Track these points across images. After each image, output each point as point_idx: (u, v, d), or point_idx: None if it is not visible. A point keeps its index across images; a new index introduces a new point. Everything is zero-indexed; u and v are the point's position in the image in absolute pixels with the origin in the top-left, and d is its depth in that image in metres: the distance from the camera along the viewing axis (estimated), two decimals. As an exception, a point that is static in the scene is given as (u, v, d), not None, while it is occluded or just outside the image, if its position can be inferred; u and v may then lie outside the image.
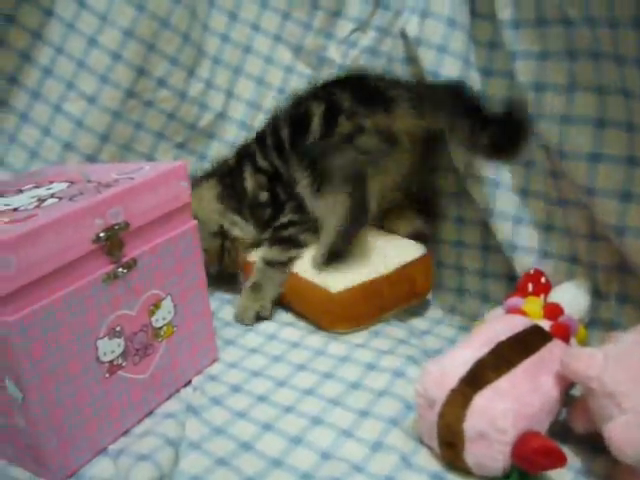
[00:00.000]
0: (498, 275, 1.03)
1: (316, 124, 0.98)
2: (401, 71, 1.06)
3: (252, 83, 1.22)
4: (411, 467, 0.73)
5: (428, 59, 0.98)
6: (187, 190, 0.84)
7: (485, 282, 1.05)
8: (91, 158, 1.09)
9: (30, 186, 0.83)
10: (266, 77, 1.22)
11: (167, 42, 1.12)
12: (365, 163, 0.92)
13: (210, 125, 1.21)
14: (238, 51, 1.20)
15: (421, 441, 0.76)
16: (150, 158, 1.15)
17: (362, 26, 1.15)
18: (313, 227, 1.00)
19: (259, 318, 1.02)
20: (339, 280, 0.96)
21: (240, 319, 1.02)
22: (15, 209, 0.73)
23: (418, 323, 1.03)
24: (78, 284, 0.71)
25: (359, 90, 1.00)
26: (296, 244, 1.02)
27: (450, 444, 0.71)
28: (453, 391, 0.70)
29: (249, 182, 1.08)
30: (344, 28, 1.17)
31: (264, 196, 1.07)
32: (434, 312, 1.06)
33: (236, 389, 0.87)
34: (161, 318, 0.82)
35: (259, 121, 1.21)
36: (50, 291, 0.68)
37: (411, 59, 1.03)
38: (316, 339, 0.96)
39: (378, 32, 1.13)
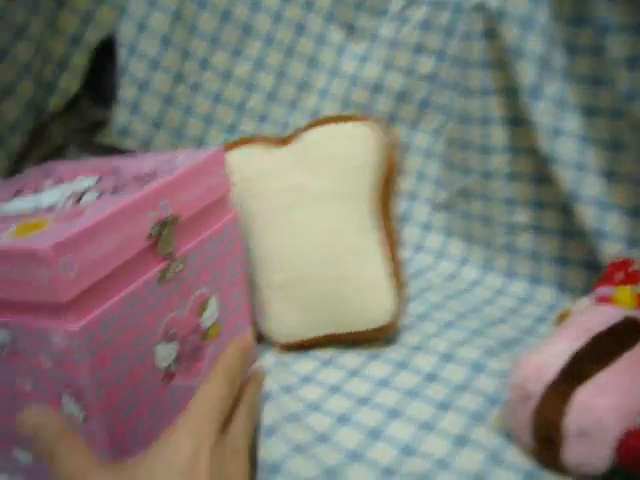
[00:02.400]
0: (577, 262, 0.98)
1: None
2: (479, 47, 1.00)
3: (303, 64, 1.16)
4: (502, 464, 0.68)
5: (511, 34, 0.92)
6: (228, 178, 0.78)
7: (563, 270, 0.99)
8: (146, 144, 1.06)
9: (51, 182, 0.76)
10: (318, 57, 1.17)
11: (206, 22, 1.08)
12: None
13: (259, 106, 1.16)
14: (290, 31, 1.15)
15: (510, 437, 0.71)
16: (201, 143, 1.11)
17: (414, 1, 1.10)
18: None
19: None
20: None
21: None
22: (49, 208, 0.66)
23: (492, 312, 0.97)
24: (135, 285, 0.64)
25: None
26: None
27: (547, 441, 0.66)
28: (551, 385, 0.65)
29: None
30: (396, 4, 1.12)
31: None
32: (507, 300, 1.01)
33: (307, 379, 0.82)
34: (209, 318, 0.76)
35: (310, 102, 1.16)
36: (110, 294, 0.61)
37: (489, 34, 0.97)
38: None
39: (432, 6, 1.09)
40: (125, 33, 1.02)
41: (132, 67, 1.03)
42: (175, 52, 1.04)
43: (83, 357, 0.58)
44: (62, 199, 0.68)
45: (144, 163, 0.76)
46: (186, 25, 1.06)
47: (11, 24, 0.89)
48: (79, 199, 0.67)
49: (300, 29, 1.14)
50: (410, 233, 1.13)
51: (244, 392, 0.66)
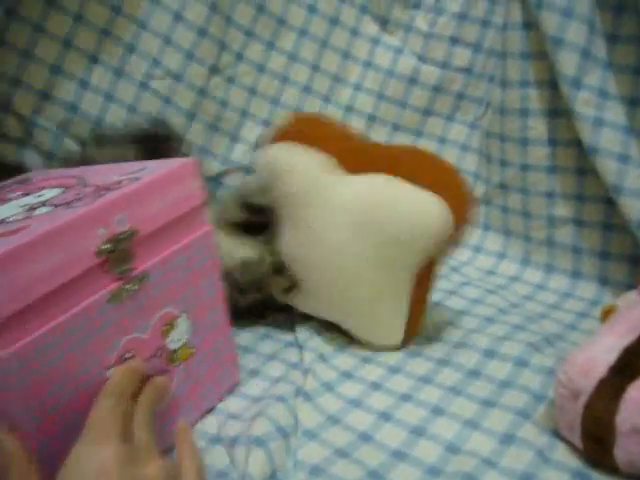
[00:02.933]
0: (620, 257, 0.96)
1: None
2: (517, 38, 0.97)
3: (337, 57, 1.15)
4: (549, 463, 0.67)
5: (551, 24, 0.90)
6: (201, 189, 0.71)
7: (605, 264, 0.97)
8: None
9: (18, 194, 0.70)
10: (352, 50, 1.15)
11: (242, 14, 1.07)
12: None
13: (293, 100, 1.14)
14: (324, 23, 1.14)
15: (557, 435, 0.69)
16: (235, 137, 1.10)
17: None
18: None
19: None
20: None
21: None
22: (2, 221, 0.60)
23: (532, 307, 0.96)
24: (81, 306, 0.58)
25: None
26: None
27: (597, 439, 0.64)
28: (602, 381, 0.64)
29: None
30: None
31: None
32: (548, 296, 0.99)
33: (347, 375, 0.82)
34: (177, 339, 0.70)
35: (344, 95, 1.15)
36: (49, 316, 0.55)
37: (528, 24, 0.95)
38: (426, 325, 0.90)
39: None
40: (159, 23, 1.01)
41: (166, 58, 1.02)
42: (211, 44, 1.04)
43: (13, 385, 0.53)
44: (18, 212, 0.63)
45: (112, 173, 0.70)
46: (222, 16, 1.05)
47: None
48: (32, 212, 0.62)
49: (334, 22, 1.12)
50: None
51: (141, 400, 0.61)
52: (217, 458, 0.69)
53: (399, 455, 0.69)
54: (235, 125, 1.09)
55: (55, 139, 0.99)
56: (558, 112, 0.96)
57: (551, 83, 0.95)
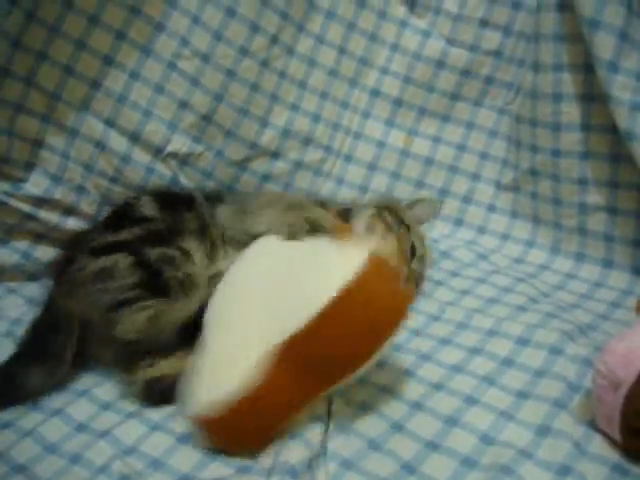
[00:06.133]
0: (654, 246, 0.94)
1: None
2: (551, 20, 0.95)
3: (365, 39, 1.12)
4: (587, 455, 0.65)
5: (587, 6, 0.87)
6: None
7: (638, 253, 0.95)
8: (206, 118, 1.03)
9: None
10: (380, 33, 1.13)
11: None
12: None
13: (321, 84, 1.11)
14: (352, 5, 1.11)
15: (594, 427, 0.68)
16: (265, 122, 1.08)
17: None
18: None
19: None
20: None
21: None
22: None
23: (563, 296, 0.94)
24: None
25: None
26: None
27: (637, 431, 0.62)
28: (644, 372, 0.62)
29: None
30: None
31: None
32: (579, 285, 0.97)
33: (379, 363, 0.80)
34: None
35: (371, 79, 1.13)
36: None
37: (563, 6, 0.93)
38: (457, 312, 0.88)
39: None
40: (189, 2, 0.99)
41: (195, 38, 1.01)
42: (240, 25, 1.01)
43: None
44: None
45: None
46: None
47: None
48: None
49: (362, 4, 1.10)
50: (473, 214, 1.10)
51: None
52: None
53: (433, 446, 0.67)
54: (264, 109, 1.07)
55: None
56: (592, 96, 0.93)
57: (586, 66, 0.92)
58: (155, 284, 0.79)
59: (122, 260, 0.79)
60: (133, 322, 0.77)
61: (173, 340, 0.79)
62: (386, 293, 0.67)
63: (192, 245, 0.84)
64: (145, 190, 0.97)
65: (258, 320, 0.69)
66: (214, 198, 0.92)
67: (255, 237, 0.81)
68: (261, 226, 0.82)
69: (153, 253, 0.80)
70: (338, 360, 0.66)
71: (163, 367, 0.77)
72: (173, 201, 0.90)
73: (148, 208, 0.87)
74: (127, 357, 0.78)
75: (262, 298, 0.71)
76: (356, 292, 0.64)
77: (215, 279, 0.80)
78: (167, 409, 0.75)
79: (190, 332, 0.77)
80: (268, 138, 1.08)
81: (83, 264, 0.81)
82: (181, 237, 0.84)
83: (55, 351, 0.79)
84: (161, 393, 0.76)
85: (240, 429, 0.67)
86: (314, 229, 0.78)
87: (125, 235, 0.83)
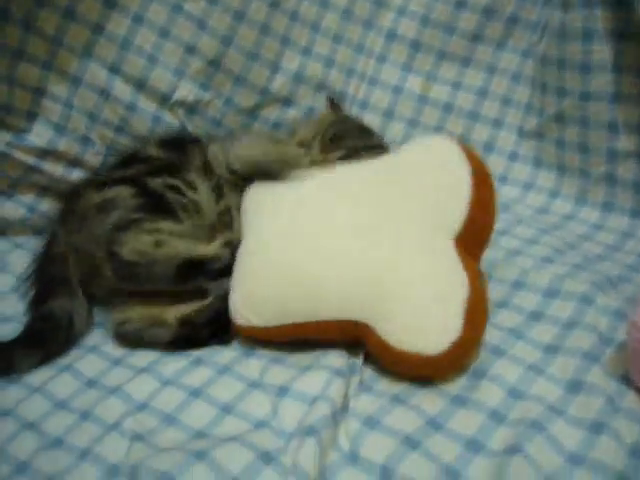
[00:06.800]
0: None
1: None
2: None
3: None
4: (620, 412, 0.62)
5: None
6: None
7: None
8: (214, 64, 0.99)
9: None
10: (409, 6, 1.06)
11: None
12: None
13: (334, 25, 1.06)
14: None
15: (627, 381, 0.64)
16: (276, 66, 1.03)
17: None
18: None
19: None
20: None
21: None
22: None
23: (590, 248, 0.90)
24: None
25: None
26: None
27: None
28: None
29: None
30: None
31: None
32: (606, 236, 0.93)
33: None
34: None
35: (386, 20, 1.07)
36: None
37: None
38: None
39: None
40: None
41: (214, 20, 0.97)
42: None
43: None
44: None
45: None
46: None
47: None
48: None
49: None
50: (495, 163, 1.05)
51: None
52: (257, 405, 0.66)
53: (458, 400, 0.64)
54: (275, 54, 1.02)
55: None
56: (625, 35, 0.88)
57: (619, 2, 0.86)
58: (159, 206, 0.78)
59: (124, 190, 0.79)
60: (139, 243, 0.75)
61: (170, 279, 0.76)
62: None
63: (197, 179, 0.83)
64: (152, 136, 0.94)
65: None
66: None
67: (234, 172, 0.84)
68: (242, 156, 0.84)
69: (156, 182, 0.80)
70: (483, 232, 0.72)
71: (134, 312, 0.76)
72: (178, 142, 0.89)
73: (153, 150, 0.87)
74: (119, 292, 0.77)
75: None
76: (478, 171, 0.72)
77: (225, 216, 0.80)
78: (177, 363, 0.72)
79: (190, 273, 0.76)
80: (279, 84, 1.03)
81: (87, 198, 0.81)
82: (186, 171, 0.83)
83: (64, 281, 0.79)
84: (129, 336, 0.76)
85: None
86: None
87: (130, 171, 0.83)
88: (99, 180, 0.84)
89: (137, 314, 0.76)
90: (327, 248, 0.71)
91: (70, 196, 0.86)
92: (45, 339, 0.75)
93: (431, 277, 0.67)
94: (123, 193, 0.79)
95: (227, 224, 0.82)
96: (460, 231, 0.69)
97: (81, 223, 0.79)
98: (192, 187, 0.82)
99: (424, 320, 0.65)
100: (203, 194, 0.82)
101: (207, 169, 0.85)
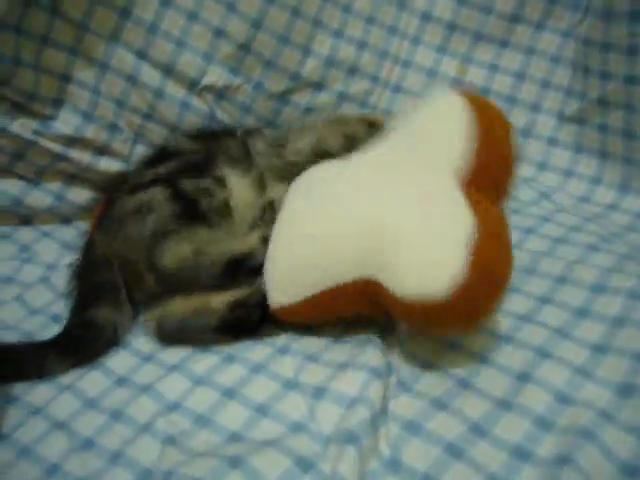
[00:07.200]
0: None
1: None
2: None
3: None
4: (677, 418, 0.59)
5: None
6: None
7: None
8: (244, 48, 0.96)
9: None
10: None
11: None
12: None
13: (367, 6, 1.02)
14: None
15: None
16: (307, 50, 1.00)
17: None
18: None
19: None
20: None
21: None
22: None
23: (636, 238, 0.86)
24: None
25: None
26: None
27: None
28: None
29: None
30: None
31: None
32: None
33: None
34: None
35: (421, 0, 1.02)
36: None
37: None
38: (521, 255, 0.81)
39: None
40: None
41: (244, 3, 0.94)
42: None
43: None
44: None
45: None
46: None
47: None
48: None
49: None
50: (533, 149, 1.01)
51: None
52: (293, 407, 0.64)
53: (503, 404, 0.62)
54: (307, 37, 0.99)
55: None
56: (675, 15, 0.83)
57: (669, -19, 0.82)
58: (194, 213, 0.78)
59: (159, 193, 0.78)
60: (179, 253, 0.74)
61: (217, 279, 0.75)
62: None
63: (230, 173, 0.83)
64: (184, 131, 0.93)
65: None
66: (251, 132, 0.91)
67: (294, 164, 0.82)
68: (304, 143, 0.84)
69: (189, 185, 0.79)
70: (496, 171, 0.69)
71: (176, 305, 0.75)
72: (212, 134, 0.89)
73: (184, 143, 0.86)
74: (161, 296, 0.76)
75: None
76: (483, 110, 0.70)
77: (267, 209, 0.80)
78: (209, 360, 0.70)
79: (235, 271, 0.75)
80: (310, 68, 1.00)
81: (122, 203, 0.80)
82: (217, 166, 0.83)
83: (112, 289, 0.77)
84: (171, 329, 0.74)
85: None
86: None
87: (161, 170, 0.82)
88: (131, 184, 0.83)
89: (178, 307, 0.75)
90: (334, 210, 0.71)
91: (105, 203, 0.85)
92: (82, 347, 0.73)
93: (427, 218, 0.65)
94: (157, 196, 0.78)
95: (269, 218, 0.80)
96: (465, 168, 0.67)
97: (118, 228, 0.78)
98: (223, 185, 0.81)
99: (422, 260, 0.62)
100: (238, 191, 0.81)
101: (246, 162, 0.84)
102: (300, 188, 0.78)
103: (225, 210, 0.80)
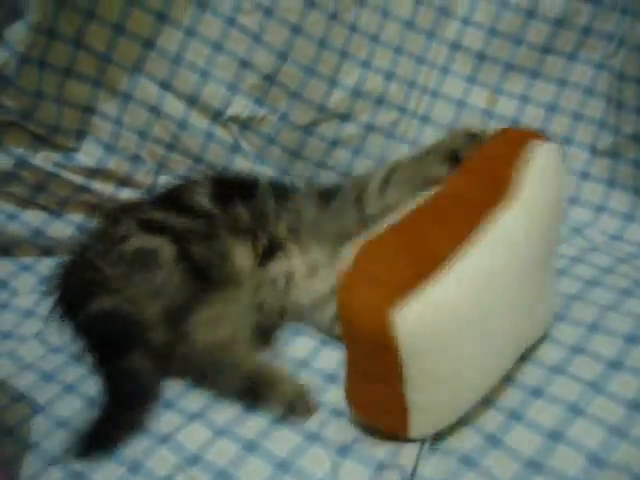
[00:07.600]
0: None
1: None
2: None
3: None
4: None
5: None
6: None
7: None
8: (269, 79, 0.95)
9: None
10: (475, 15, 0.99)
11: None
12: None
13: (395, 36, 1.00)
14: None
15: None
16: (333, 81, 0.98)
17: None
18: None
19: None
20: None
21: None
22: None
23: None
24: None
25: None
26: None
27: None
28: None
29: None
30: None
31: None
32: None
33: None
34: None
35: (450, 30, 1.00)
36: None
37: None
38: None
39: None
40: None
41: (270, 34, 0.93)
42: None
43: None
44: None
45: None
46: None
47: None
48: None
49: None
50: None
51: None
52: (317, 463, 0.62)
53: (533, 464, 0.60)
54: (333, 68, 0.97)
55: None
56: None
57: None
58: (207, 282, 0.75)
59: (166, 248, 0.76)
60: (212, 334, 0.72)
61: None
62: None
63: (236, 244, 0.80)
64: (207, 175, 0.90)
65: None
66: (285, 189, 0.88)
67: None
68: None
69: (196, 250, 0.77)
70: None
71: None
72: (231, 189, 0.85)
73: (201, 196, 0.83)
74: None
75: None
76: None
77: (287, 278, 0.80)
78: (232, 410, 0.69)
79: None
80: (337, 99, 0.99)
81: (127, 231, 0.78)
82: (225, 235, 0.80)
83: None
84: None
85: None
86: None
87: (172, 220, 0.80)
88: (141, 216, 0.82)
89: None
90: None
91: (109, 218, 0.84)
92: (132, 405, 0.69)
93: None
94: (165, 250, 0.76)
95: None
96: None
97: (116, 261, 0.76)
98: (228, 257, 0.79)
99: None
100: (241, 262, 0.80)
101: (261, 226, 0.83)
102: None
103: (231, 280, 0.77)
